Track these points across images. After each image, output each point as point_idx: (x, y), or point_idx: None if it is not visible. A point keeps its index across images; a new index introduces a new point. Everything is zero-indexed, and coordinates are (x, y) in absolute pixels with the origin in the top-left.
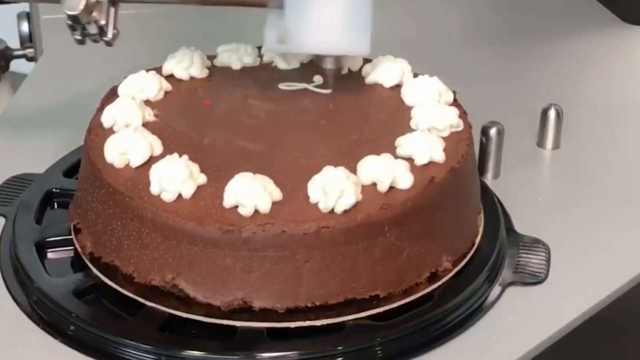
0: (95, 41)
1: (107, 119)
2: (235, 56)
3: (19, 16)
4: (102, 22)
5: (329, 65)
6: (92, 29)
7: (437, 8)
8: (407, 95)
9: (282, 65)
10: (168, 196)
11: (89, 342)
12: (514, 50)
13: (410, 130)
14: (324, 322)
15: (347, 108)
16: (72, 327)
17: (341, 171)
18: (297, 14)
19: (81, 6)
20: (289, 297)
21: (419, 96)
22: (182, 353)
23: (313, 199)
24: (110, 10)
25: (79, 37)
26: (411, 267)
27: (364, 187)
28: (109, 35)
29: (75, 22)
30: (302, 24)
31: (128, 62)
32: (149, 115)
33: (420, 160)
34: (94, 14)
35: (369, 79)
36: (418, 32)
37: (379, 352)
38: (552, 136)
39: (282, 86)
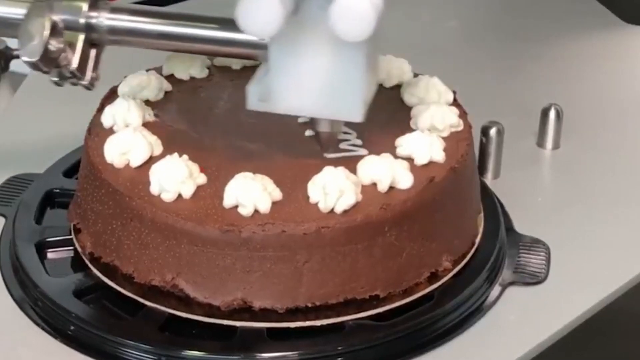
0: (74, 84)
1: (107, 119)
2: None
3: None
4: (73, 66)
5: (322, 127)
6: (66, 72)
7: (437, 8)
8: (407, 95)
9: None
10: (168, 196)
11: (89, 342)
12: (514, 50)
13: (410, 130)
14: (324, 322)
15: None
16: (72, 327)
17: (341, 171)
18: (280, 71)
19: (39, 53)
20: (289, 297)
21: (418, 96)
22: (182, 353)
23: (313, 199)
24: (91, 52)
25: (55, 79)
26: (411, 267)
27: (363, 187)
28: (86, 79)
29: (37, 69)
30: (285, 83)
31: (128, 62)
32: (149, 115)
33: (420, 160)
34: (64, 56)
35: None
36: (418, 32)
37: (379, 352)
38: (552, 136)
39: None
